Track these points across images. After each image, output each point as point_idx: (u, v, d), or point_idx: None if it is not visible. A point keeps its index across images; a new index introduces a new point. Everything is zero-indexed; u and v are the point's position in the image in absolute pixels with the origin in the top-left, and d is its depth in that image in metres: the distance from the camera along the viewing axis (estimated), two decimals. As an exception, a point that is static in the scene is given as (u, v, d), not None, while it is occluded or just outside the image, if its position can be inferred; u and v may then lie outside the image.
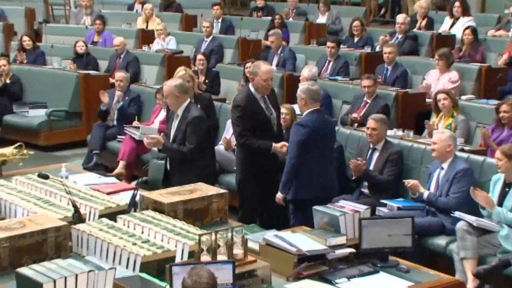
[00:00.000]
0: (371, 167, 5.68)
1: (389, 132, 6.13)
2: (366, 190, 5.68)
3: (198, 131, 5.34)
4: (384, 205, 5.37)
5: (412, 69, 8.46)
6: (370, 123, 5.70)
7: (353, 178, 5.69)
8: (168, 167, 5.58)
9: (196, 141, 5.33)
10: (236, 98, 5.57)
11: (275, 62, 9.52)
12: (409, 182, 5.24)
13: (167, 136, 5.60)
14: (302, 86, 5.25)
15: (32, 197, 4.33)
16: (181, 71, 6.23)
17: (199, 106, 6.10)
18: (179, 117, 5.47)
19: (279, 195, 5.20)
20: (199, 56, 8.64)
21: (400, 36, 9.58)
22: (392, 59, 8.31)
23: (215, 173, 5.92)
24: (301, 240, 3.80)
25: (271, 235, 3.88)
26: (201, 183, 4.59)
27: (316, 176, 5.08)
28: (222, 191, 4.45)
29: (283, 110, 6.00)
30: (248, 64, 7.70)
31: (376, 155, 5.72)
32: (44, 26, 11.97)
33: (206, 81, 8.56)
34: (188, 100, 5.50)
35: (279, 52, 9.46)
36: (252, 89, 5.44)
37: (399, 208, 5.29)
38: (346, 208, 4.11)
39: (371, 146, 5.75)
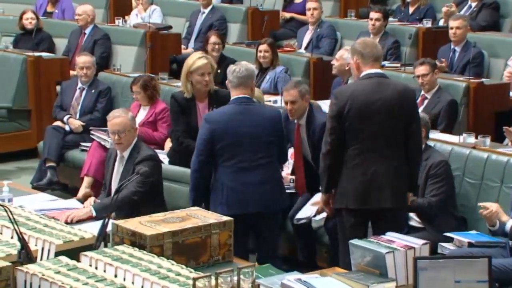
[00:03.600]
0: None
1: (456, 139, 6.17)
2: (416, 223, 5.72)
3: (151, 174, 5.49)
4: (450, 239, 5.41)
5: (491, 50, 8.50)
6: None
7: None
8: None
9: (146, 185, 5.48)
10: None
11: (306, 40, 9.61)
12: (487, 208, 5.25)
13: (105, 188, 5.76)
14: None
15: (-37, 228, 4.41)
16: (200, 59, 6.24)
17: (214, 107, 6.20)
18: (125, 160, 5.63)
19: None
20: (213, 38, 8.68)
21: (474, 5, 9.62)
22: (462, 37, 8.36)
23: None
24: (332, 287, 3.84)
25: (291, 279, 3.92)
26: (197, 208, 4.65)
27: (232, 188, 5.33)
28: (226, 218, 4.50)
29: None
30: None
31: None
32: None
33: (219, 71, 8.64)
34: (136, 137, 5.72)
35: (314, 26, 9.57)
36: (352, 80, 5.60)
37: (471, 244, 5.31)
38: (396, 243, 4.15)
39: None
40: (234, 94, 5.46)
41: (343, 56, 7.53)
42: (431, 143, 5.95)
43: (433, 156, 5.72)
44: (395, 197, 5.12)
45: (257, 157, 5.39)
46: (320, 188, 5.36)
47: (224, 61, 8.66)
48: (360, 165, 5.06)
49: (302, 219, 5.99)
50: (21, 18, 10.00)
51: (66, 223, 4.91)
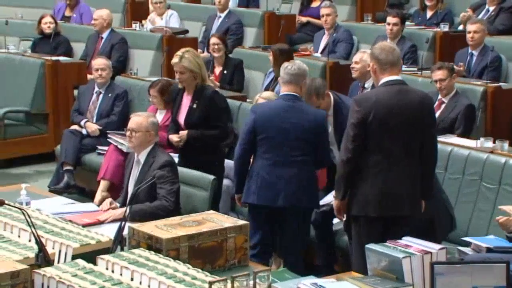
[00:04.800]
0: None
1: (473, 143, 6.15)
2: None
3: (173, 180, 5.52)
4: (467, 244, 5.38)
5: (509, 54, 8.46)
6: None
7: None
8: None
9: (176, 193, 5.51)
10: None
11: (322, 44, 9.61)
12: (501, 217, 5.23)
13: (123, 193, 5.80)
14: None
15: (-19, 231, 4.44)
16: (175, 57, 6.25)
17: (196, 103, 6.18)
18: (141, 164, 5.67)
19: (236, 195, 5.78)
20: (214, 40, 8.75)
21: (491, 9, 9.59)
22: (479, 41, 8.33)
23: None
24: (350, 292, 3.85)
25: (307, 283, 3.93)
26: (213, 211, 4.65)
27: (265, 180, 5.49)
28: (242, 222, 4.52)
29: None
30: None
31: None
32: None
33: (225, 72, 8.67)
34: (154, 143, 5.77)
35: (330, 31, 9.58)
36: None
37: (489, 250, 5.28)
38: (413, 248, 4.13)
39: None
40: (284, 90, 5.63)
41: (363, 58, 7.52)
42: (448, 148, 5.92)
43: None
44: (413, 204, 5.11)
45: (294, 154, 5.53)
46: (334, 195, 5.34)
47: (228, 62, 8.71)
48: (382, 172, 5.03)
49: (324, 205, 5.95)
50: (39, 22, 10.07)
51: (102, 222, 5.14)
